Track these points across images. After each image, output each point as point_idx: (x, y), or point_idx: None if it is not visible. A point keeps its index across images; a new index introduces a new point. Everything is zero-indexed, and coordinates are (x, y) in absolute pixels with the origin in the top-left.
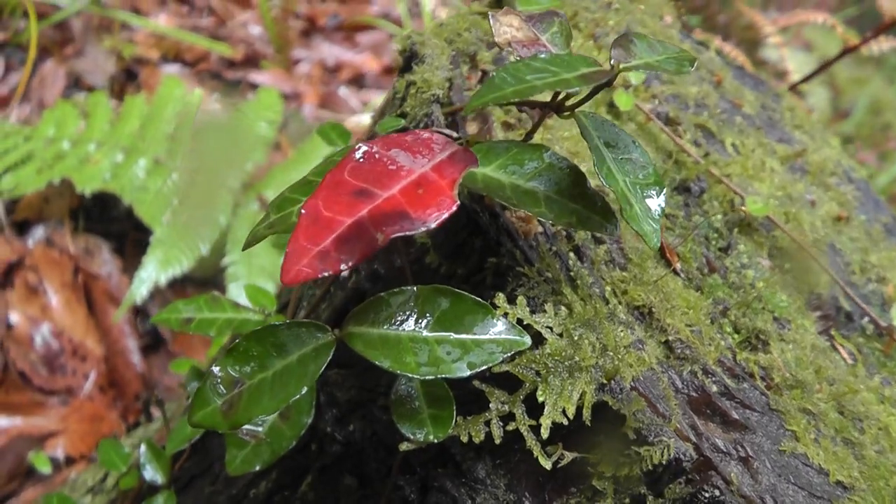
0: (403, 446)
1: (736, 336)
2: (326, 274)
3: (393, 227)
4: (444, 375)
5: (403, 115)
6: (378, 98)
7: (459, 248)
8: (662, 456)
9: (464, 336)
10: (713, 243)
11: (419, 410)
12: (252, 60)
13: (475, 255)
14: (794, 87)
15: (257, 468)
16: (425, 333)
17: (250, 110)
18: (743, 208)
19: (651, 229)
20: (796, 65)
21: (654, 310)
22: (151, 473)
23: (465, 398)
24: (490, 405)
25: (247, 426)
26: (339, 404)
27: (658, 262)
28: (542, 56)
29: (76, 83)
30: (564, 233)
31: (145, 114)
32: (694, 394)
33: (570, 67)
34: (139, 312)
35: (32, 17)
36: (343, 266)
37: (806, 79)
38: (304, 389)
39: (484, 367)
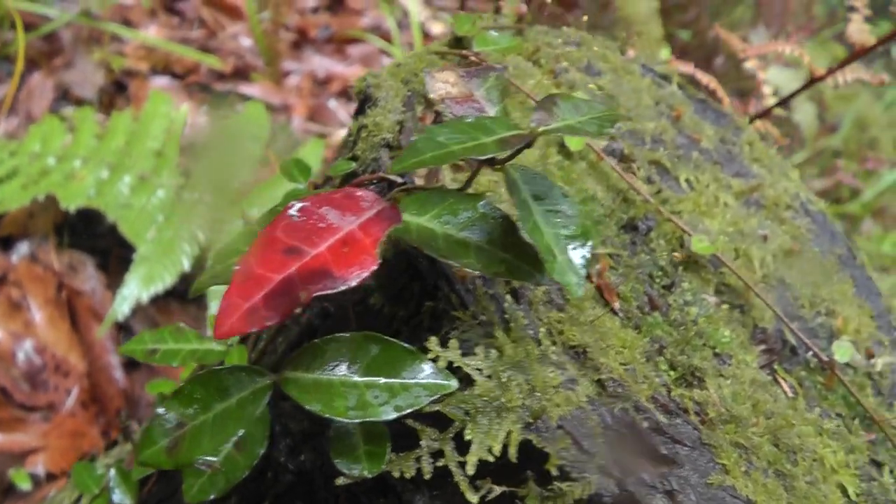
0: (340, 481)
1: (672, 373)
2: (254, 330)
3: (317, 285)
4: (370, 419)
5: (355, 159)
6: None
7: (400, 291)
8: (584, 491)
9: (392, 380)
10: (657, 281)
11: (356, 446)
12: (242, 73)
13: (414, 298)
14: (766, 113)
15: (213, 497)
16: (355, 378)
17: (236, 125)
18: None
19: (575, 280)
20: (784, 81)
21: (588, 350)
22: (120, 497)
23: (403, 434)
24: (421, 443)
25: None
26: (292, 434)
27: (597, 302)
28: (468, 120)
29: (65, 95)
30: None
31: (131, 130)
32: (624, 430)
33: (489, 132)
34: (122, 329)
35: (20, 29)
36: (269, 322)
37: (779, 104)
38: (241, 431)
39: (410, 410)
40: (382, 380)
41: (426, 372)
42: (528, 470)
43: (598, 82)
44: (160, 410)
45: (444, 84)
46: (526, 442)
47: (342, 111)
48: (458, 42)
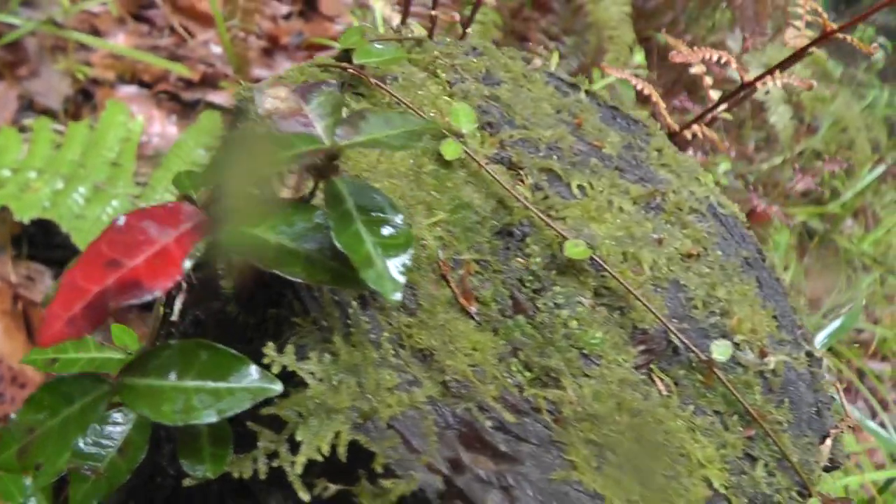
0: (186, 482)
1: (527, 374)
2: (73, 339)
3: (127, 296)
4: (193, 421)
5: None
6: None
7: (250, 300)
8: (408, 488)
9: (219, 384)
10: (528, 286)
11: (201, 449)
12: (211, 80)
13: (261, 307)
14: (698, 119)
15: (96, 502)
16: (185, 384)
17: (190, 136)
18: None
19: (391, 287)
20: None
21: (435, 352)
22: None
23: (248, 437)
24: (259, 444)
25: (87, 462)
26: (174, 440)
27: (452, 307)
28: (276, 134)
29: (30, 106)
30: None
31: (88, 140)
32: (465, 430)
33: (289, 147)
34: None
35: None
36: (86, 332)
37: (707, 111)
38: (82, 437)
39: (231, 413)
40: (210, 384)
41: (252, 377)
42: (359, 469)
43: (495, 91)
44: (13, 416)
45: (273, 100)
46: (354, 442)
47: None
48: (346, 55)
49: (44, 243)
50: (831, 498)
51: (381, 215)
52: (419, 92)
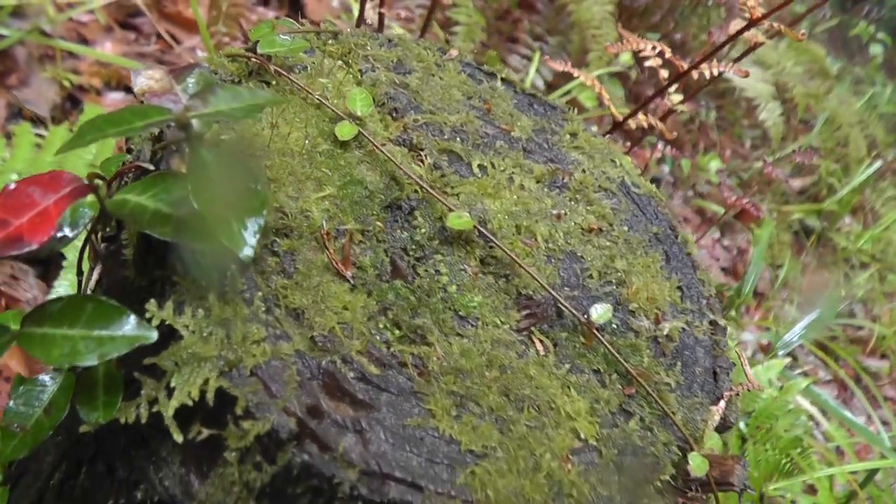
0: (83, 428)
1: (396, 332)
2: None
3: (10, 248)
4: (78, 363)
5: (129, 151)
6: None
7: (143, 263)
8: (262, 428)
9: (102, 332)
10: (410, 254)
11: (96, 396)
12: None
13: (150, 269)
14: (638, 109)
15: (22, 455)
16: (73, 332)
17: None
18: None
19: (241, 244)
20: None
21: (306, 311)
22: None
23: (135, 384)
24: (142, 391)
25: (16, 421)
26: None
27: (328, 272)
28: (134, 106)
29: (19, 113)
30: None
31: (67, 144)
32: (327, 380)
33: (143, 117)
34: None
35: None
36: None
37: (644, 104)
38: (14, 399)
39: (110, 356)
40: (94, 332)
41: (130, 325)
42: (227, 414)
43: (405, 79)
44: None
45: (148, 80)
46: (220, 388)
47: None
48: (255, 45)
49: None
50: (715, 454)
51: (250, 177)
52: (324, 80)
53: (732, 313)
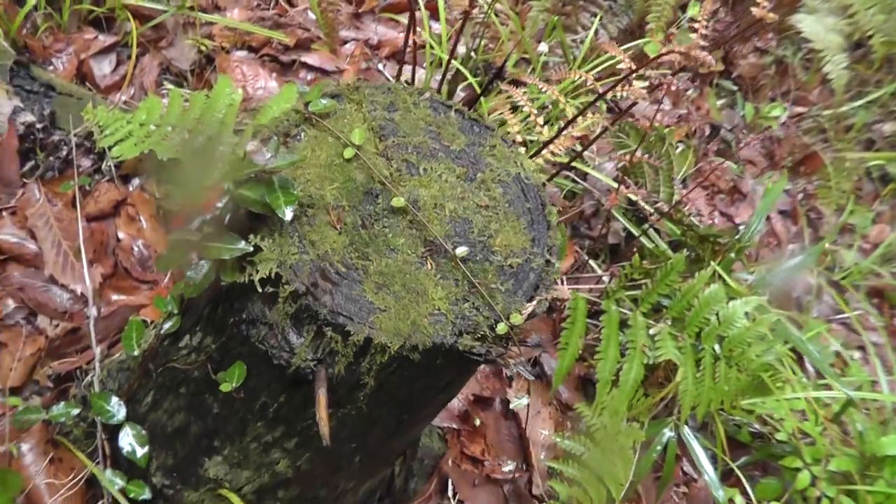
0: (223, 281)
1: (356, 254)
2: None
3: (182, 224)
4: (221, 257)
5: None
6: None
7: (248, 218)
8: (291, 289)
9: (231, 245)
10: (371, 217)
11: (227, 270)
12: (304, 44)
13: (251, 221)
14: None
15: (193, 295)
16: (218, 244)
17: (273, 102)
18: (393, 203)
19: (284, 214)
20: (819, 31)
21: (315, 242)
22: (170, 305)
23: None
24: (246, 269)
25: (191, 279)
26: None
27: (329, 226)
28: (246, 161)
29: (167, 70)
30: None
31: (204, 105)
32: (321, 271)
33: (249, 166)
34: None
35: (133, 25)
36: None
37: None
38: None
39: (235, 255)
40: (228, 245)
41: (242, 243)
42: (279, 283)
43: (392, 116)
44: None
45: (252, 145)
46: (276, 272)
47: (388, 71)
48: (306, 103)
49: None
50: (515, 325)
51: (289, 188)
52: (345, 120)
53: (732, 255)
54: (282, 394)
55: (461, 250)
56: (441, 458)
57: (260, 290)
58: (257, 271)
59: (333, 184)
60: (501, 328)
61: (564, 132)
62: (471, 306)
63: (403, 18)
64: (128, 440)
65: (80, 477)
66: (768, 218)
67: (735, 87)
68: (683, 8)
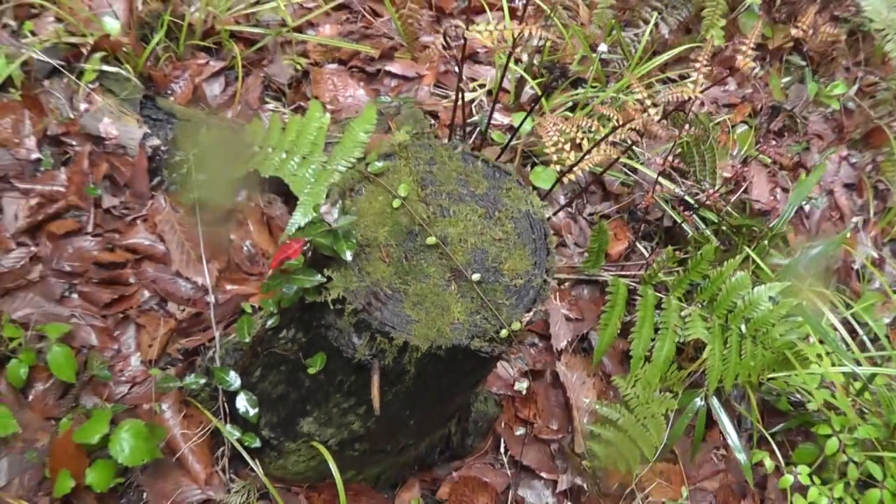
0: (308, 300)
1: (399, 280)
2: None
3: (285, 259)
4: (303, 286)
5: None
6: (485, 74)
7: (323, 258)
8: (352, 307)
9: (309, 277)
10: (412, 253)
11: (309, 292)
12: (388, 54)
13: (323, 260)
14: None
15: (287, 305)
16: (301, 277)
17: (356, 124)
18: (428, 240)
19: (346, 256)
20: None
21: (371, 272)
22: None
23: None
24: (321, 292)
25: (285, 295)
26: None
27: (379, 260)
28: (316, 217)
29: (268, 86)
30: None
31: (299, 128)
32: (373, 294)
33: (321, 224)
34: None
35: (237, 50)
36: (277, 266)
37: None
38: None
39: (313, 284)
40: (307, 277)
41: (318, 276)
42: (345, 302)
43: (431, 168)
44: (268, 275)
45: (324, 210)
46: (342, 295)
47: (466, 72)
48: (366, 164)
49: (277, 186)
50: (515, 330)
51: (349, 237)
52: (395, 175)
53: (765, 243)
54: (352, 374)
55: (476, 276)
56: (495, 420)
57: (332, 307)
58: (329, 294)
59: (385, 227)
60: (504, 333)
61: (599, 146)
62: (482, 317)
63: (478, 18)
64: (243, 403)
65: (207, 429)
66: (831, 192)
67: (804, 63)
68: None
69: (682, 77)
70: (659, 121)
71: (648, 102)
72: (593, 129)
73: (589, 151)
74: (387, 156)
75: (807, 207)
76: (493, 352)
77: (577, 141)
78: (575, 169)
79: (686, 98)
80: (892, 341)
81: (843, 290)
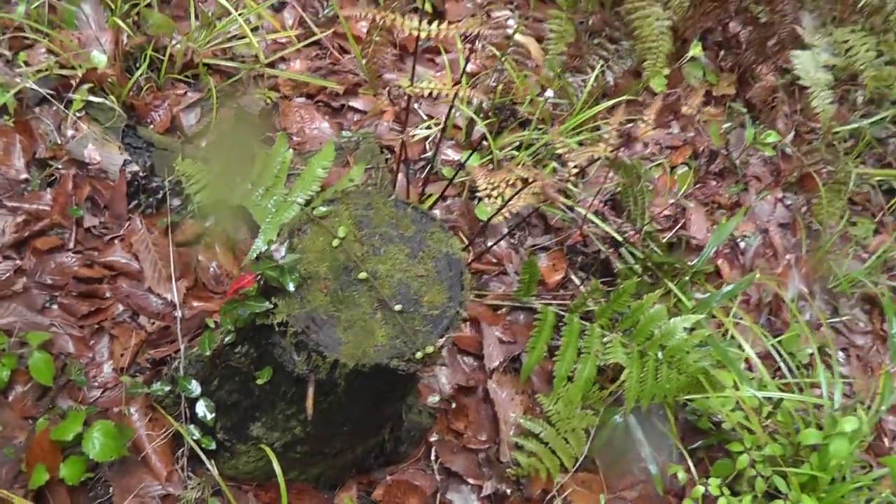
0: (258, 322)
1: (333, 308)
2: None
3: (241, 287)
4: (253, 311)
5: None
6: (442, 112)
7: (268, 289)
8: (294, 329)
9: (258, 304)
10: (346, 286)
11: (257, 316)
12: (352, 90)
13: (271, 290)
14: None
15: (242, 325)
16: (250, 303)
17: (316, 161)
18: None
19: (290, 286)
20: (809, 66)
21: (311, 301)
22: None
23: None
24: (269, 316)
25: (238, 317)
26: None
27: (319, 292)
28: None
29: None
30: None
31: (264, 161)
32: (312, 319)
33: (269, 262)
34: (258, 258)
35: (212, 85)
36: (233, 294)
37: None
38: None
39: (261, 311)
40: (257, 304)
41: (266, 303)
42: (286, 325)
43: (367, 212)
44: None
45: (275, 249)
46: (286, 319)
47: (423, 109)
48: (313, 210)
49: (246, 216)
50: (429, 353)
51: (293, 271)
52: (337, 218)
53: (686, 279)
54: (293, 386)
55: (398, 306)
56: (428, 430)
57: (277, 329)
58: (276, 318)
59: (325, 263)
60: (419, 354)
61: (522, 191)
62: (401, 341)
63: (440, 58)
64: (202, 409)
65: (169, 432)
66: (766, 231)
67: (744, 110)
68: (685, 42)
69: (631, 121)
70: (567, 179)
71: (569, 156)
72: (524, 176)
73: (506, 203)
74: (331, 201)
75: (742, 245)
76: (409, 370)
77: (510, 181)
78: (503, 211)
79: (596, 158)
80: (814, 369)
81: (774, 322)
